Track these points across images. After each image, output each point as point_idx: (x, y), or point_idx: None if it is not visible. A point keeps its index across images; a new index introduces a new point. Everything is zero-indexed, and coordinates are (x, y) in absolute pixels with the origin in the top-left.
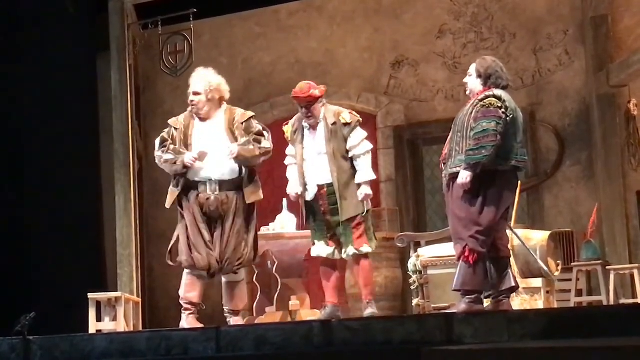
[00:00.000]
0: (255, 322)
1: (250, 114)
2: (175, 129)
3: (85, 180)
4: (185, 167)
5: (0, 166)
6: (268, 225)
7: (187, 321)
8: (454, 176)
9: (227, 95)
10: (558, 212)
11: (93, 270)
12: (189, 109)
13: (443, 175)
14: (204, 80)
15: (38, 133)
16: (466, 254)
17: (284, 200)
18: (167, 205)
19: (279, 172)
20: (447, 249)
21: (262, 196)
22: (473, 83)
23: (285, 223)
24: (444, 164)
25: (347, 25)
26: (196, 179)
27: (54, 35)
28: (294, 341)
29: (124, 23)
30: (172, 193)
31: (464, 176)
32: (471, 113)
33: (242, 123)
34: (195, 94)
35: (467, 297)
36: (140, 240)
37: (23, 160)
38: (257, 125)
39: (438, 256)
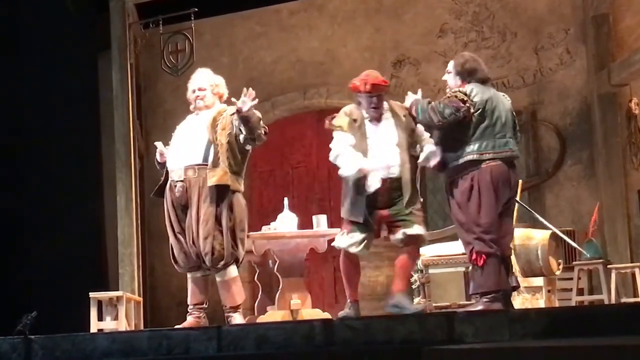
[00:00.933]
0: (257, 321)
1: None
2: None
3: (87, 179)
4: (159, 163)
5: (1, 166)
6: (269, 224)
7: (187, 322)
8: (449, 180)
9: (225, 95)
10: (559, 211)
11: (94, 270)
12: (191, 107)
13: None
14: (208, 76)
15: (39, 132)
16: (474, 256)
17: (285, 200)
18: (152, 194)
19: (280, 172)
20: (448, 248)
21: (227, 181)
22: (451, 80)
23: (286, 222)
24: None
25: (348, 24)
26: (168, 168)
27: (55, 34)
28: (295, 340)
29: (125, 22)
30: (160, 184)
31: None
32: None
33: (232, 115)
34: (201, 89)
35: (485, 297)
36: (141, 240)
37: (24, 160)
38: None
39: (439, 255)
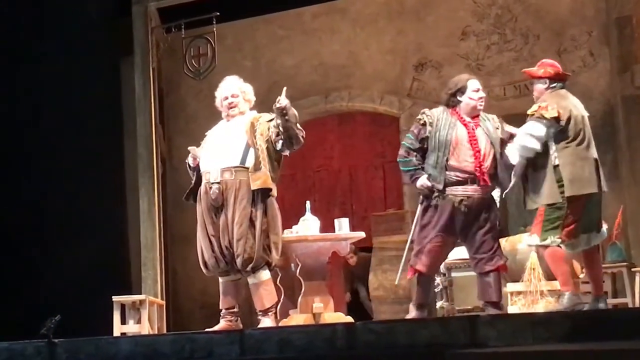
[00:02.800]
0: (279, 324)
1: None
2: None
3: (110, 183)
4: (191, 167)
5: (25, 170)
6: (291, 228)
7: (219, 325)
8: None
9: (253, 102)
10: None
11: (117, 273)
12: (223, 114)
13: (479, 194)
14: (237, 83)
15: (62, 137)
16: (506, 265)
17: (307, 203)
18: (184, 197)
19: (301, 175)
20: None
21: (270, 185)
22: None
23: (308, 226)
24: (482, 181)
25: (370, 27)
26: (203, 170)
27: (78, 40)
28: (317, 344)
29: (147, 27)
30: (191, 188)
31: None
32: (497, 133)
33: (269, 121)
34: (234, 95)
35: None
36: (164, 243)
37: (47, 164)
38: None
39: (462, 258)
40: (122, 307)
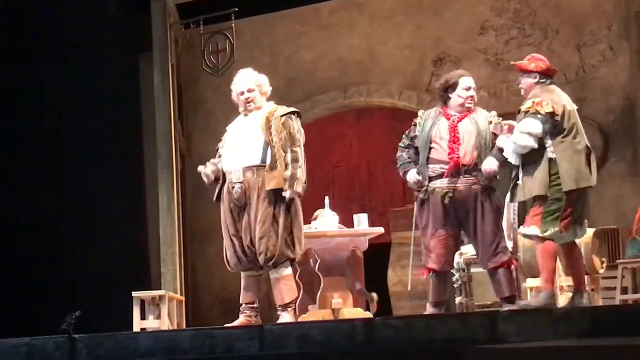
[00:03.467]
0: (298, 320)
1: (292, 109)
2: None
3: (129, 179)
4: (209, 179)
5: (44, 166)
6: (310, 223)
7: (238, 321)
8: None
9: (269, 93)
10: (602, 209)
11: (137, 269)
12: (240, 109)
13: (466, 186)
14: (253, 76)
15: (81, 133)
16: (513, 261)
17: (326, 199)
18: (214, 199)
19: (320, 171)
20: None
21: (284, 185)
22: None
23: (327, 221)
24: (467, 173)
25: (389, 22)
26: (225, 170)
27: (97, 36)
28: (336, 340)
29: (166, 23)
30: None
31: (493, 164)
32: (488, 127)
33: (282, 116)
34: (250, 90)
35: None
36: (183, 239)
37: (66, 160)
38: (296, 124)
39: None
40: (142, 302)
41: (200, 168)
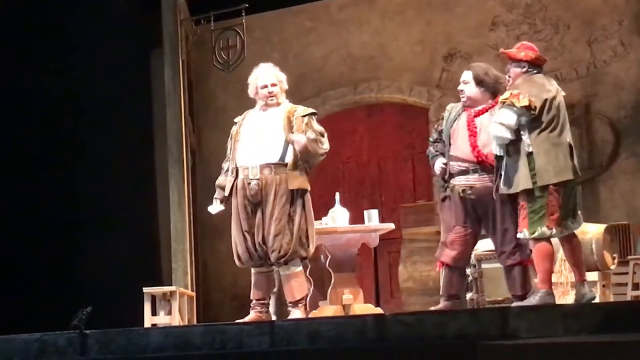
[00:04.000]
0: (309, 316)
1: (311, 110)
2: (234, 123)
3: (139, 175)
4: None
5: (55, 162)
6: (320, 219)
7: (249, 317)
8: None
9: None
10: (614, 205)
11: (148, 265)
12: (261, 103)
13: (482, 184)
14: (275, 71)
15: (92, 130)
16: (530, 259)
17: (337, 195)
18: (225, 192)
19: (330, 167)
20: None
21: (307, 186)
22: (477, 91)
23: (337, 217)
24: (483, 170)
25: (399, 18)
26: (240, 165)
27: (107, 32)
28: (347, 336)
29: (176, 19)
30: (228, 182)
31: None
32: None
33: (304, 116)
34: (273, 85)
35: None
36: (194, 235)
37: (78, 157)
38: (318, 125)
39: (492, 250)
40: (153, 298)
41: (211, 209)
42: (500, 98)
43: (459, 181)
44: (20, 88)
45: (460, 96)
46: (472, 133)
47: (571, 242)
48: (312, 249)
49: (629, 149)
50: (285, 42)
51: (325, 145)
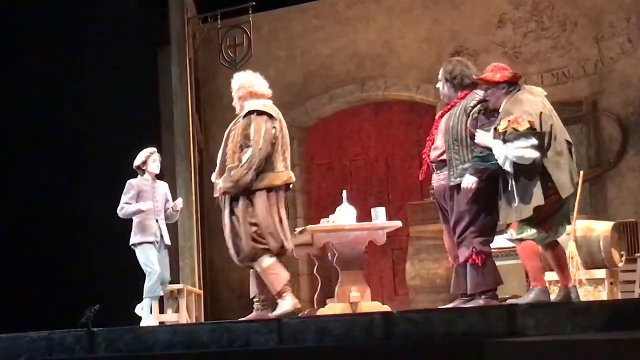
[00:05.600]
0: (316, 314)
1: (254, 107)
2: None
3: None
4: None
5: (62, 160)
6: (328, 217)
7: (250, 315)
8: (459, 185)
9: (256, 89)
10: (621, 202)
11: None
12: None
13: (438, 183)
14: (233, 83)
15: (99, 127)
16: (473, 256)
17: (344, 192)
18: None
19: (338, 164)
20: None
21: (218, 189)
22: (446, 88)
23: (345, 215)
24: (437, 169)
25: (406, 16)
26: None
27: (115, 30)
28: (354, 333)
29: (183, 17)
30: None
31: (471, 181)
32: (465, 121)
33: (244, 117)
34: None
35: (484, 296)
36: (201, 233)
37: (84, 154)
38: (254, 125)
39: (499, 247)
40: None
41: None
42: (500, 128)
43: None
44: (27, 85)
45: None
46: (432, 135)
47: (556, 248)
48: (274, 242)
49: (636, 146)
50: (292, 40)
51: (240, 172)
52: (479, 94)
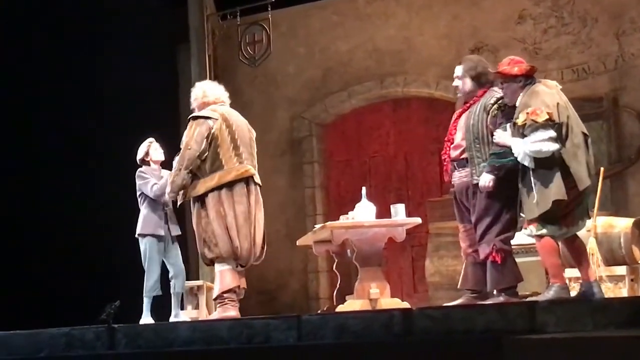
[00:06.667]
0: (336, 310)
1: (192, 115)
2: None
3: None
4: None
5: (83, 156)
6: (347, 213)
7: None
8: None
9: (209, 98)
10: None
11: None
12: None
13: (460, 181)
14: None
15: (119, 125)
16: (494, 254)
17: (363, 189)
18: None
19: (357, 161)
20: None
21: (199, 192)
22: (469, 85)
23: (364, 211)
24: (459, 167)
25: (425, 12)
26: None
27: (134, 28)
28: (374, 330)
29: (202, 14)
30: None
31: (487, 179)
32: (485, 119)
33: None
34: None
35: (504, 293)
36: None
37: (104, 152)
38: (187, 132)
39: (518, 244)
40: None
41: None
42: (518, 122)
43: (452, 179)
44: (47, 82)
45: (457, 92)
46: (453, 132)
47: (575, 243)
48: (225, 245)
49: None
50: (311, 37)
51: (172, 174)
52: (497, 91)
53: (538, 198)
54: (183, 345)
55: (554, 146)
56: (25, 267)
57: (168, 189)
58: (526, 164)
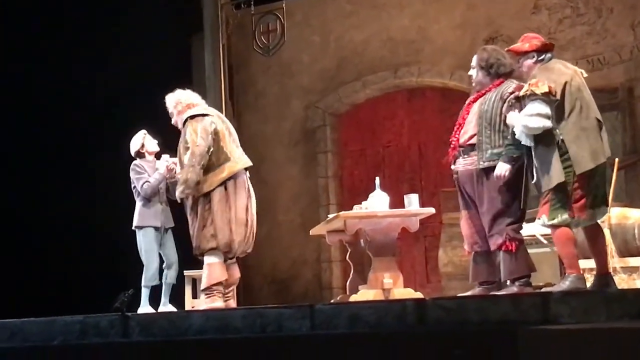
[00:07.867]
0: (349, 300)
1: (187, 115)
2: None
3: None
4: None
5: (97, 148)
6: (360, 203)
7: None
8: (487, 169)
9: (192, 101)
10: None
11: (188, 249)
12: None
13: (465, 168)
14: (168, 103)
15: (132, 114)
16: (507, 243)
17: (377, 179)
18: None
19: (371, 151)
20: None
21: (201, 191)
22: (480, 75)
23: (377, 201)
24: (464, 154)
25: (440, 2)
26: None
27: (148, 17)
28: (387, 320)
29: (217, 3)
30: None
31: (504, 169)
32: (500, 107)
33: (182, 126)
34: (171, 114)
35: (517, 282)
36: None
37: (119, 143)
38: (188, 132)
39: (531, 235)
40: (194, 281)
41: None
42: (521, 93)
43: (454, 167)
44: (61, 73)
45: (473, 82)
46: (463, 119)
47: (596, 233)
48: (212, 244)
49: None
50: (325, 26)
51: (185, 171)
52: (515, 82)
53: (539, 179)
54: (196, 333)
55: (543, 122)
56: (39, 255)
57: (181, 188)
58: (523, 141)
